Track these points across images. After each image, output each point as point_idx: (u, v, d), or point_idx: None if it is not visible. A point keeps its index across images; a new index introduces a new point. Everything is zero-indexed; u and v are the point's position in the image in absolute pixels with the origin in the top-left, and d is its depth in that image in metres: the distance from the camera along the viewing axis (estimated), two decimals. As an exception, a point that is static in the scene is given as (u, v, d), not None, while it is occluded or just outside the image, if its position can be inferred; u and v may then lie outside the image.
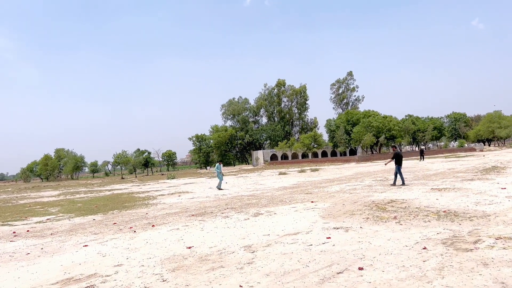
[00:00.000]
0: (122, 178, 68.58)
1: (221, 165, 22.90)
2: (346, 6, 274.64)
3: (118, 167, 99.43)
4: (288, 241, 6.87)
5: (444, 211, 8.60)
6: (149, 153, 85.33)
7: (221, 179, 21.59)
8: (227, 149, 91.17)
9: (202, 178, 38.53)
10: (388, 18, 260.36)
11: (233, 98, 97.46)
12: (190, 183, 30.71)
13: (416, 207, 9.51)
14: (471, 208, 8.87)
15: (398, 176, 16.05)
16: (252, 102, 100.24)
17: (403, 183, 15.66)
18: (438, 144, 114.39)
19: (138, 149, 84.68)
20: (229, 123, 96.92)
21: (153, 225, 10.04)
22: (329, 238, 6.86)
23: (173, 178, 42.99)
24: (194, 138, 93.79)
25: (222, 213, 11.36)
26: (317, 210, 10.36)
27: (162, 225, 9.93)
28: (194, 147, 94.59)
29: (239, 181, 27.93)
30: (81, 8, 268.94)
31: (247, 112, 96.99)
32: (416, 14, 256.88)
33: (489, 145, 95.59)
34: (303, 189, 17.46)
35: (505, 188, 11.94)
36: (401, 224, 7.56)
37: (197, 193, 20.20)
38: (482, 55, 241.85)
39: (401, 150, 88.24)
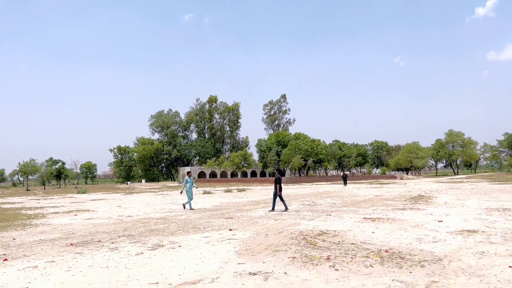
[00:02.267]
0: (28, 189, 61.10)
1: (191, 178, 17.09)
2: (284, 31, 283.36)
3: (31, 177, 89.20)
4: (181, 297, 4.71)
5: (386, 251, 7.02)
6: (63, 163, 77.60)
7: (190, 197, 16.66)
8: (152, 164, 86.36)
9: (117, 194, 34.75)
10: (323, 48, 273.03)
11: (163, 110, 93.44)
12: (100, 199, 27.10)
13: (352, 243, 7.88)
14: (415, 246, 7.42)
15: (279, 201, 15.75)
16: (182, 116, 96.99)
17: (286, 209, 15.26)
18: (361, 170, 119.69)
19: (51, 158, 76.72)
20: (156, 136, 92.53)
21: (5, 259, 7.25)
22: (241, 292, 4.82)
23: (83, 193, 38.46)
24: (115, 150, 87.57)
25: (113, 242, 8.83)
26: (233, 243, 8.31)
27: (18, 259, 7.19)
28: (115, 159, 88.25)
29: (155, 200, 25.06)
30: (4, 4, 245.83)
31: (177, 126, 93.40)
32: (348, 45, 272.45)
33: (407, 174, 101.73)
34: (225, 212, 15.38)
35: (442, 221, 10.91)
36: (337, 270, 5.77)
37: (99, 212, 17.15)
38: (403, 90, 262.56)
39: (326, 174, 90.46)
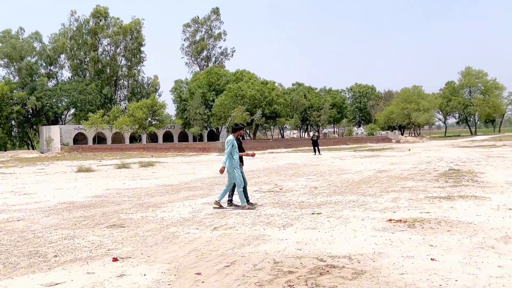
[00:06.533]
0: None
1: (234, 138, 13.01)
2: None
3: None
4: None
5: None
6: None
7: (233, 180, 12.85)
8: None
9: None
10: None
11: (11, 30, 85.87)
12: None
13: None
14: None
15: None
16: (47, 41, 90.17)
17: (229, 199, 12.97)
18: (336, 129, 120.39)
19: None
20: (1, 72, 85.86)
21: None
22: None
23: None
24: None
25: None
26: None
27: None
28: None
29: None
30: None
31: (37, 57, 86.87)
32: None
33: (402, 134, 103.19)
34: (111, 211, 12.27)
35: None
36: None
37: None
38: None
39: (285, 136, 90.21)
